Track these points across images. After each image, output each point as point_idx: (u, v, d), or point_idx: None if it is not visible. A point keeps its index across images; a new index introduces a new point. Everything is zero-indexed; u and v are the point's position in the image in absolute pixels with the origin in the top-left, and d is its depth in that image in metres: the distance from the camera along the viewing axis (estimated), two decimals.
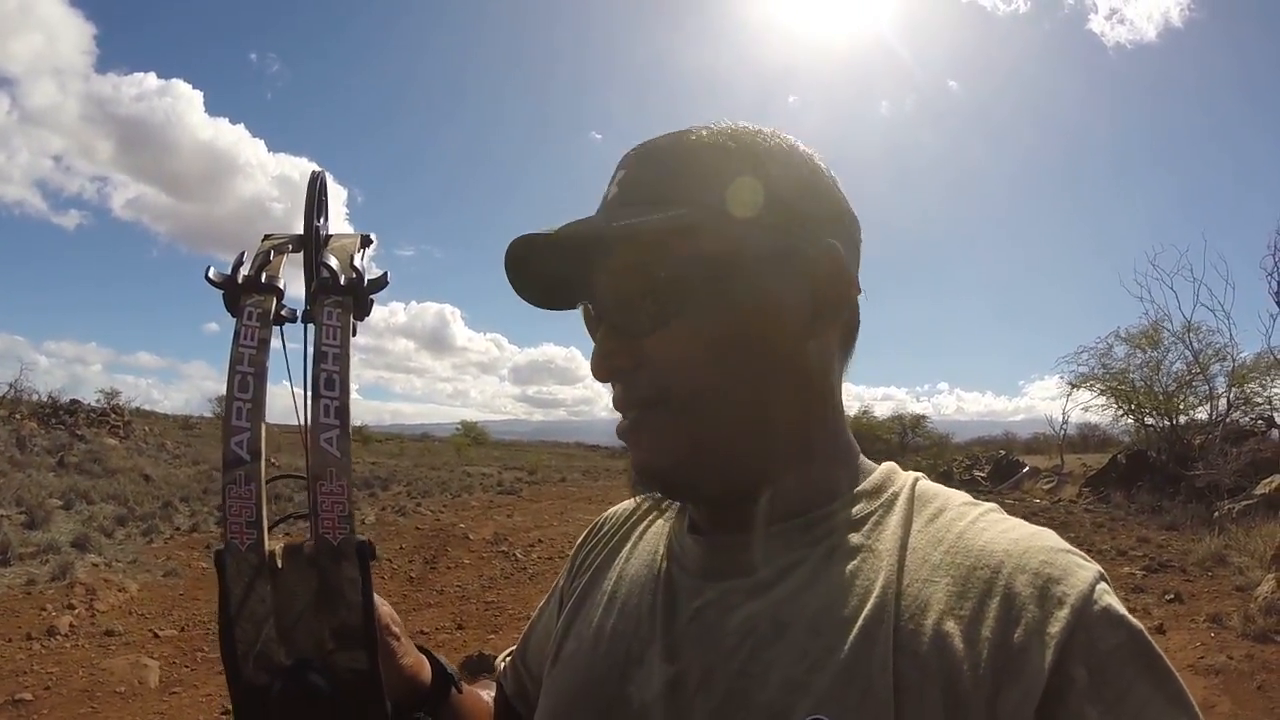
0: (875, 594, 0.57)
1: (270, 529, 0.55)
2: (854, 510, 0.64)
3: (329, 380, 0.55)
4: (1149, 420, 16.37)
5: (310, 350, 0.58)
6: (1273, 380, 14.71)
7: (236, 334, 0.56)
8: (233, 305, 0.58)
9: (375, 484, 15.39)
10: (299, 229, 0.64)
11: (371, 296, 0.61)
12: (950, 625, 0.54)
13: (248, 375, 0.54)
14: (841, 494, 0.66)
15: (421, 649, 0.78)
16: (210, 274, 0.59)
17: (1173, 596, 6.98)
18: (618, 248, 0.63)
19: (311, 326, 0.59)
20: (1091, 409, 18.10)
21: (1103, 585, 0.54)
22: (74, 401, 18.35)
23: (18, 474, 10.92)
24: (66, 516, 9.28)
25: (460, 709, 0.81)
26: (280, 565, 0.52)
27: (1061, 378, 18.02)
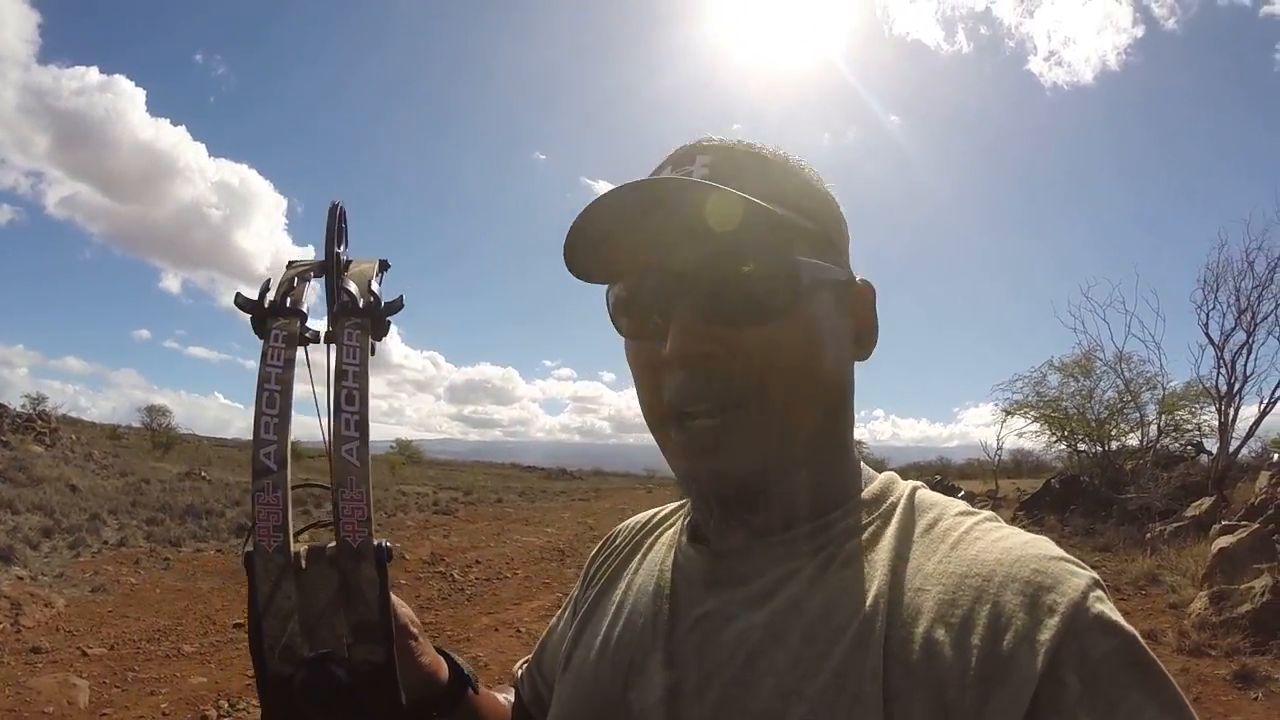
0: (868, 603, 0.58)
1: (295, 536, 0.58)
2: (853, 519, 0.65)
3: (349, 396, 0.59)
4: (1082, 446, 16.91)
5: (332, 370, 0.62)
6: (1202, 408, 15.36)
7: (264, 354, 0.59)
8: (260, 328, 0.61)
9: (308, 501, 14.94)
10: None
11: (388, 319, 0.65)
12: (940, 633, 0.54)
13: (275, 392, 0.58)
14: (842, 503, 0.67)
15: (440, 650, 0.79)
16: (239, 299, 0.62)
17: None
18: (738, 226, 0.60)
19: (333, 347, 0.63)
20: (1025, 435, 18.71)
21: (1096, 592, 0.53)
22: None
23: None
24: None
25: (478, 709, 0.82)
26: (304, 566, 0.56)
27: (996, 405, 18.56)
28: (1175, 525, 10.64)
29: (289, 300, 0.63)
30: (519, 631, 6.79)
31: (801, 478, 0.65)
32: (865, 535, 0.64)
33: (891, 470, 0.73)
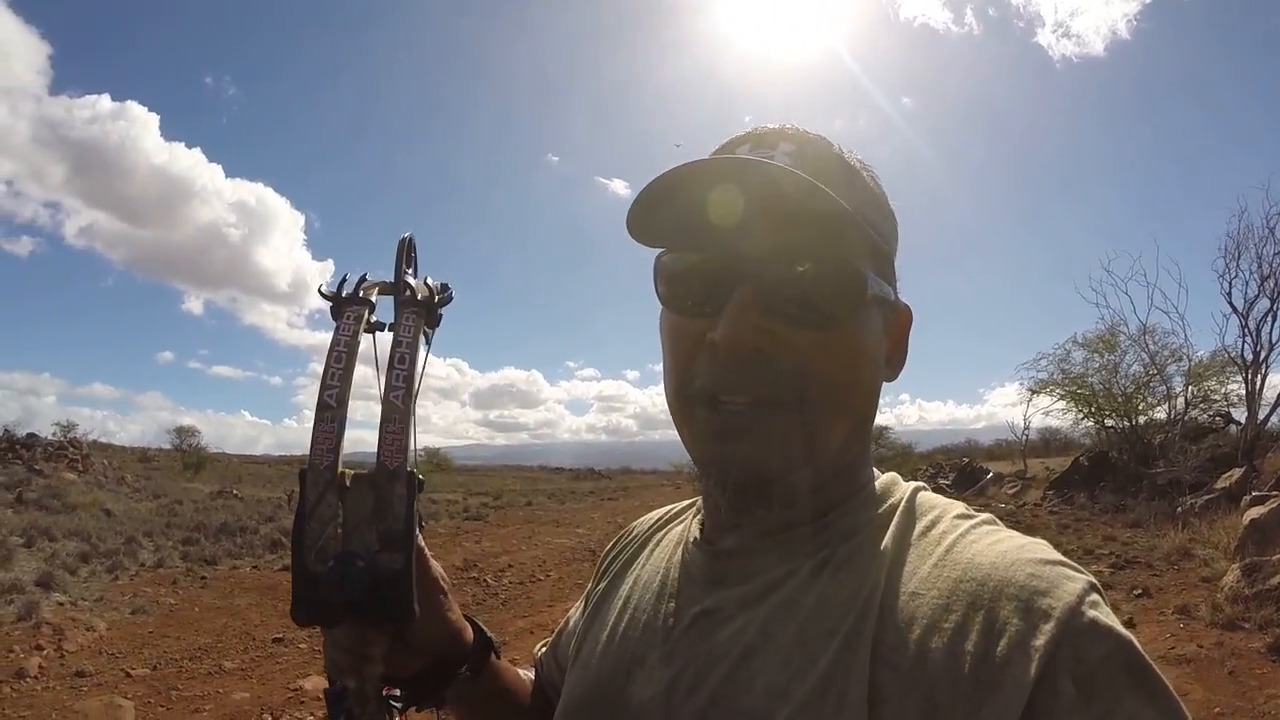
0: (859, 607, 0.58)
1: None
2: (851, 521, 0.66)
3: (400, 358, 0.70)
4: (1109, 422, 16.69)
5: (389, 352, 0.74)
6: (1229, 378, 15.16)
7: (337, 329, 0.71)
8: (337, 312, 0.73)
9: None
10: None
11: (440, 311, 0.77)
12: (934, 638, 0.54)
13: (341, 352, 0.69)
14: (842, 503, 0.67)
15: (466, 617, 0.81)
16: (322, 289, 0.75)
17: (1141, 591, 7.14)
18: (822, 229, 0.60)
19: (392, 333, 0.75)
20: (1052, 413, 18.47)
21: (1092, 596, 0.53)
22: (30, 435, 17.86)
23: None
24: (28, 554, 8.98)
25: (502, 674, 0.84)
26: (348, 485, 0.65)
27: (1022, 384, 18.46)
28: (1206, 498, 10.53)
29: (361, 292, 0.75)
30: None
31: (810, 481, 0.64)
32: (863, 537, 0.64)
33: (894, 473, 0.74)
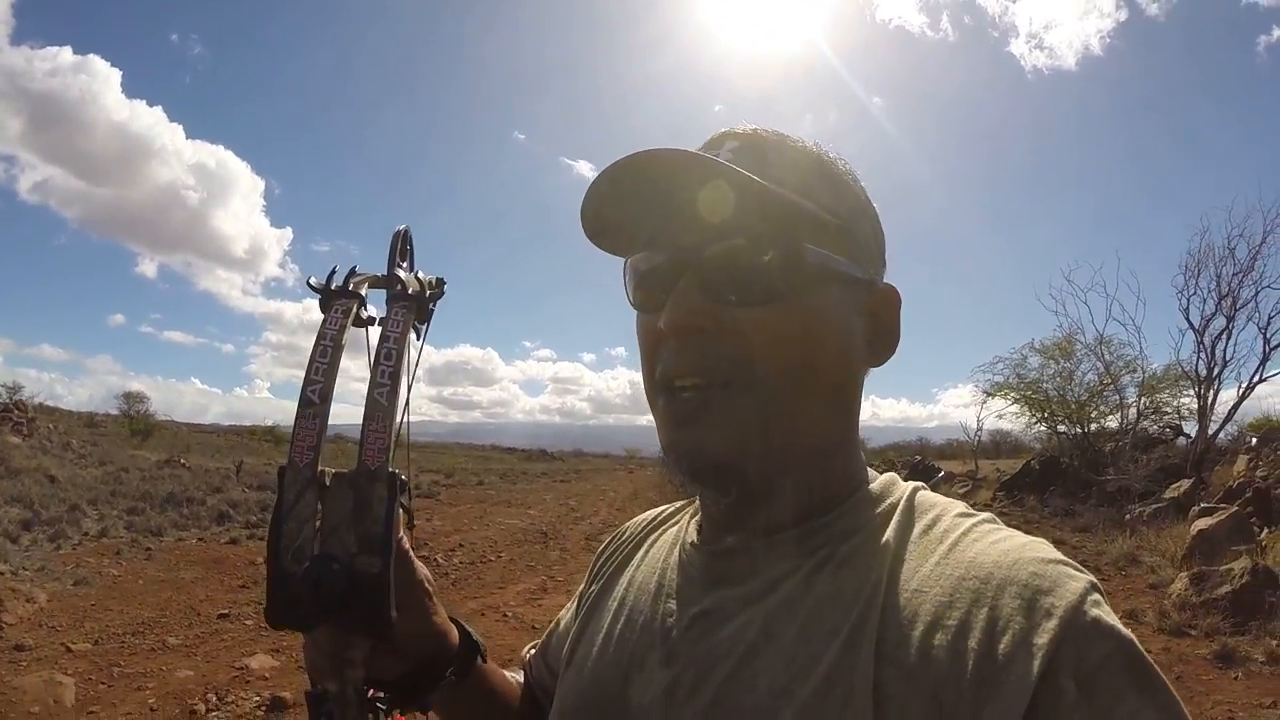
0: (862, 605, 0.58)
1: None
2: (851, 520, 0.65)
3: (387, 354, 0.68)
4: (1061, 428, 17.11)
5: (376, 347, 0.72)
6: (1181, 391, 15.63)
7: (324, 323, 0.69)
8: (325, 305, 0.70)
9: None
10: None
11: (431, 306, 0.75)
12: (937, 636, 0.54)
13: (327, 347, 0.67)
14: (841, 502, 0.67)
15: (452, 619, 0.79)
16: (311, 280, 0.72)
17: None
18: (750, 208, 0.61)
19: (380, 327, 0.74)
20: (1005, 416, 18.87)
21: (1094, 596, 0.53)
22: None
23: None
24: None
25: (488, 677, 0.83)
26: (328, 484, 0.63)
27: (976, 386, 18.73)
28: (1154, 507, 10.82)
29: (350, 285, 0.72)
30: (505, 616, 6.80)
31: (800, 475, 0.65)
32: (863, 536, 0.64)
33: (892, 473, 0.73)
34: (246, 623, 6.39)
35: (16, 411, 17.23)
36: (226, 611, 6.67)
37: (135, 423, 27.57)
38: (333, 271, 0.74)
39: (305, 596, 0.59)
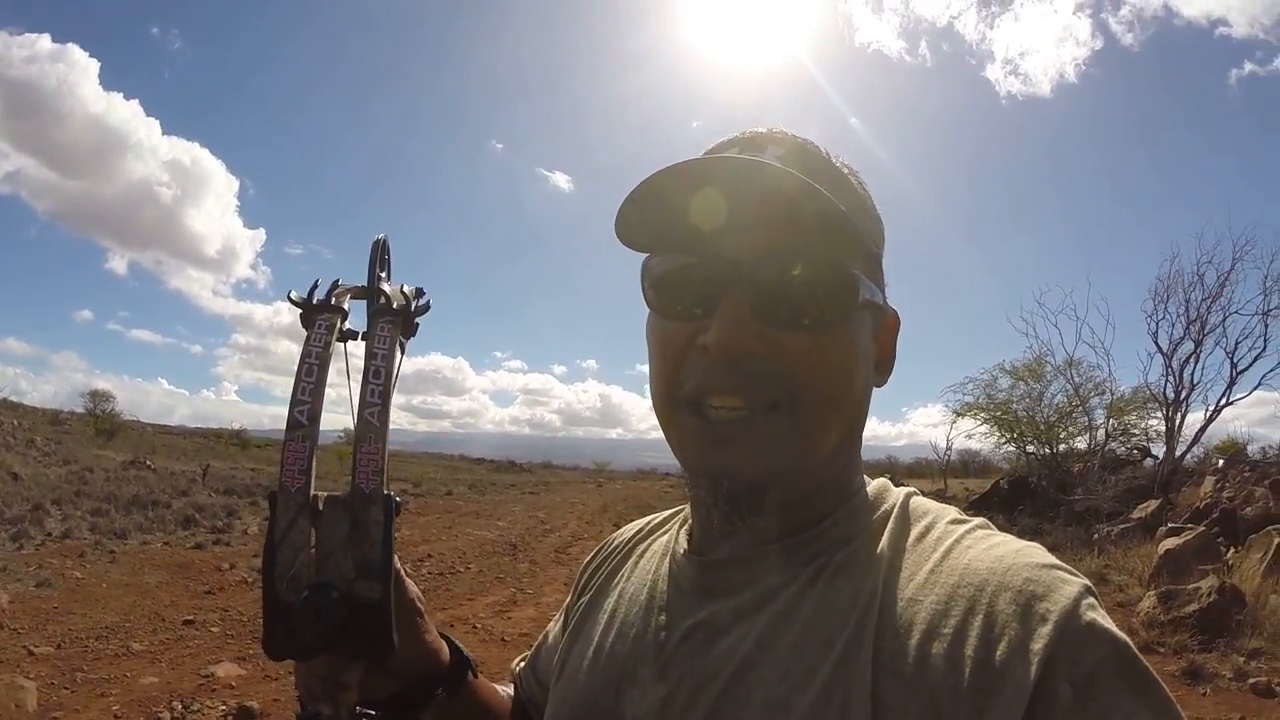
0: (858, 615, 0.58)
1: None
2: (845, 527, 0.65)
3: (376, 372, 0.67)
4: (1030, 448, 17.35)
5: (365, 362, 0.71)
6: (1149, 414, 15.93)
7: (308, 339, 0.67)
8: (308, 321, 0.69)
9: (257, 491, 14.50)
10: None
11: (417, 320, 0.73)
12: (934, 645, 0.54)
13: (313, 365, 0.65)
14: (835, 511, 0.66)
15: (443, 635, 0.79)
16: (292, 295, 0.71)
17: None
18: (808, 225, 0.59)
19: (366, 343, 0.72)
20: (975, 436, 19.15)
21: (1088, 600, 0.53)
22: None
23: None
24: None
25: (478, 692, 0.83)
26: (321, 509, 0.62)
27: (946, 406, 19.03)
28: (1122, 527, 10.99)
29: (334, 299, 0.71)
30: (475, 628, 6.68)
31: (804, 487, 0.64)
32: (857, 544, 0.63)
33: (883, 478, 0.73)
34: (212, 630, 6.25)
35: None
36: (192, 618, 6.51)
37: (101, 422, 27.06)
38: (314, 285, 0.72)
39: (305, 627, 0.58)
